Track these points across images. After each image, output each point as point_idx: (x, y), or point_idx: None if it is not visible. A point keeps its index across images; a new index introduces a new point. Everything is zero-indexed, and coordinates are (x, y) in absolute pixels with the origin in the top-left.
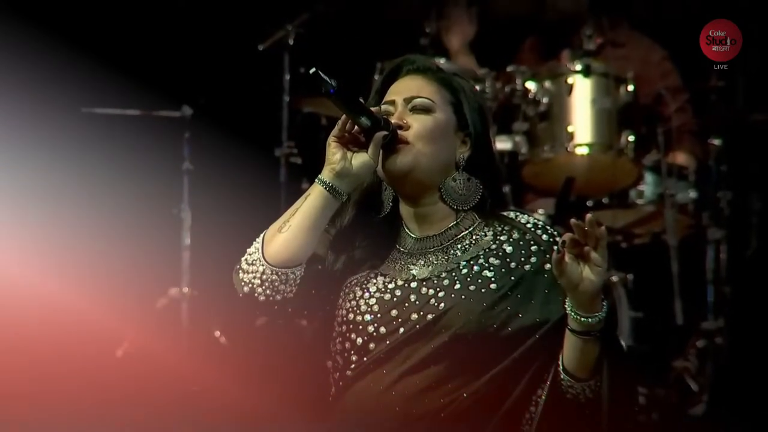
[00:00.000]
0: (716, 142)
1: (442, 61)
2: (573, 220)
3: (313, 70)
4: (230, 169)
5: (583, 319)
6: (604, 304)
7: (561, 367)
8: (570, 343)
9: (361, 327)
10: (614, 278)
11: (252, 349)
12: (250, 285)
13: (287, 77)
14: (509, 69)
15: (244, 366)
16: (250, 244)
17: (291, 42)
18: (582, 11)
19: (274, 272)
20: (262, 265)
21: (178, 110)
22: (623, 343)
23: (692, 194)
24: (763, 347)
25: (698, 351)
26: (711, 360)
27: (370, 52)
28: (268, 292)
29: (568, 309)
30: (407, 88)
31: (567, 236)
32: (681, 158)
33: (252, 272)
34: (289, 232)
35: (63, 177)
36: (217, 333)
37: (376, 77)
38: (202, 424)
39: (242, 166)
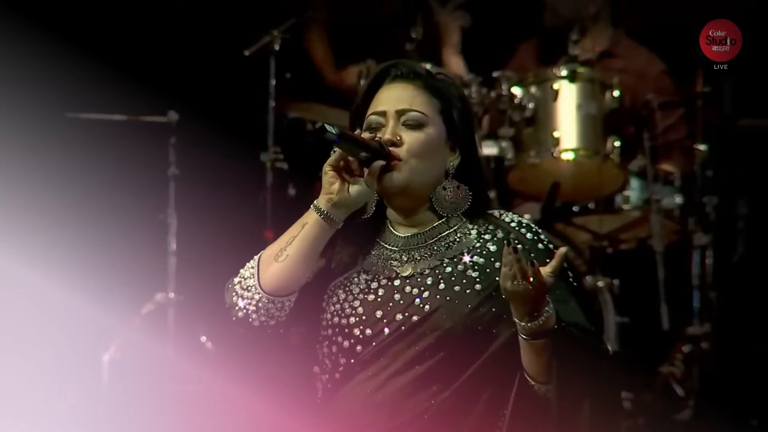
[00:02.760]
0: (702, 147)
1: (428, 66)
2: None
3: (319, 124)
4: (216, 174)
5: (517, 320)
6: (546, 315)
7: (522, 367)
8: (521, 345)
9: (347, 330)
10: (600, 283)
11: (238, 354)
12: (245, 311)
13: (273, 82)
14: (495, 74)
15: (230, 371)
16: (236, 250)
17: (277, 47)
18: (582, 18)
19: (270, 300)
20: (258, 293)
21: (164, 115)
22: (602, 354)
23: (678, 199)
24: (748, 352)
25: (684, 356)
26: (697, 365)
27: (356, 57)
28: (263, 318)
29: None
30: (398, 98)
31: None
32: (666, 168)
33: (247, 298)
34: (287, 262)
35: (48, 182)
36: (203, 338)
37: (361, 82)
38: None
39: (228, 171)
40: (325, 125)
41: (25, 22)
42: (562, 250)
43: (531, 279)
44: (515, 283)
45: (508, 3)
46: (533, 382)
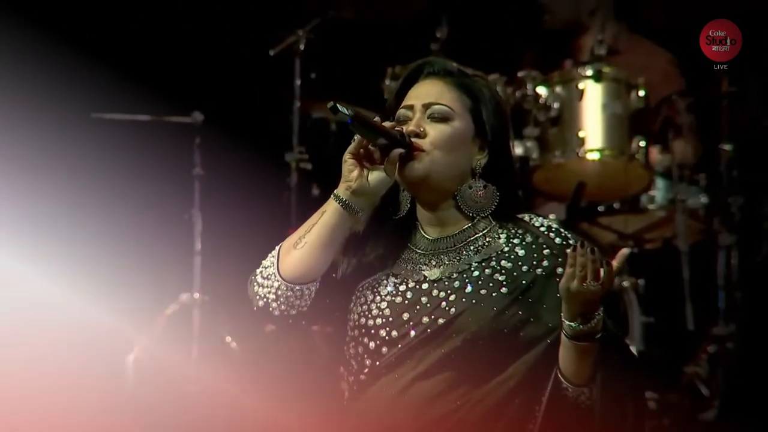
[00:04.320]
0: (727, 147)
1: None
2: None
3: (330, 104)
4: (241, 174)
5: (567, 321)
6: (597, 317)
7: (559, 369)
8: (563, 346)
9: (373, 331)
10: (625, 283)
11: (263, 355)
12: (265, 299)
13: (298, 82)
14: (520, 74)
15: (255, 371)
16: (260, 250)
17: (302, 47)
18: (581, 19)
19: (289, 288)
20: (278, 281)
21: (189, 116)
22: (632, 358)
23: (703, 199)
24: None
25: (709, 356)
26: (722, 365)
27: (381, 57)
28: (282, 307)
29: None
30: (427, 93)
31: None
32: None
33: (267, 287)
34: (305, 249)
35: (73, 182)
36: (228, 338)
37: (387, 82)
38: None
39: (253, 172)
40: (338, 105)
41: (50, 24)
42: (625, 251)
43: (601, 280)
44: (585, 284)
45: (512, 7)
46: (567, 384)
